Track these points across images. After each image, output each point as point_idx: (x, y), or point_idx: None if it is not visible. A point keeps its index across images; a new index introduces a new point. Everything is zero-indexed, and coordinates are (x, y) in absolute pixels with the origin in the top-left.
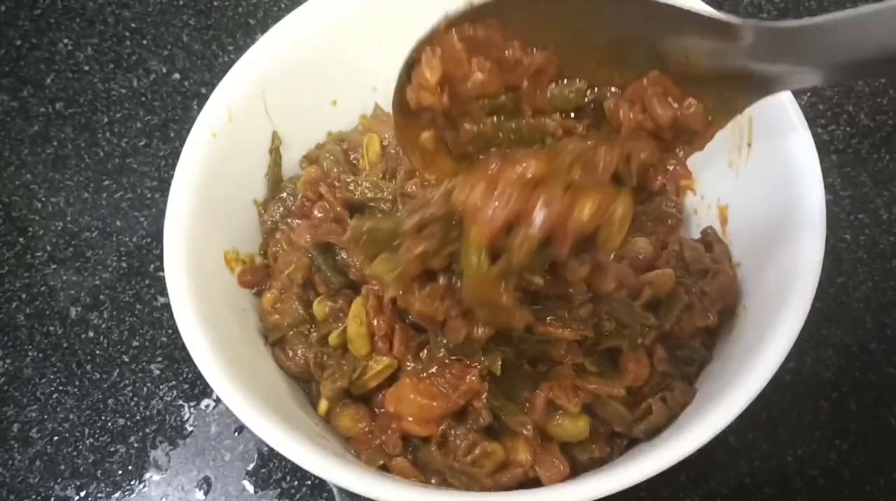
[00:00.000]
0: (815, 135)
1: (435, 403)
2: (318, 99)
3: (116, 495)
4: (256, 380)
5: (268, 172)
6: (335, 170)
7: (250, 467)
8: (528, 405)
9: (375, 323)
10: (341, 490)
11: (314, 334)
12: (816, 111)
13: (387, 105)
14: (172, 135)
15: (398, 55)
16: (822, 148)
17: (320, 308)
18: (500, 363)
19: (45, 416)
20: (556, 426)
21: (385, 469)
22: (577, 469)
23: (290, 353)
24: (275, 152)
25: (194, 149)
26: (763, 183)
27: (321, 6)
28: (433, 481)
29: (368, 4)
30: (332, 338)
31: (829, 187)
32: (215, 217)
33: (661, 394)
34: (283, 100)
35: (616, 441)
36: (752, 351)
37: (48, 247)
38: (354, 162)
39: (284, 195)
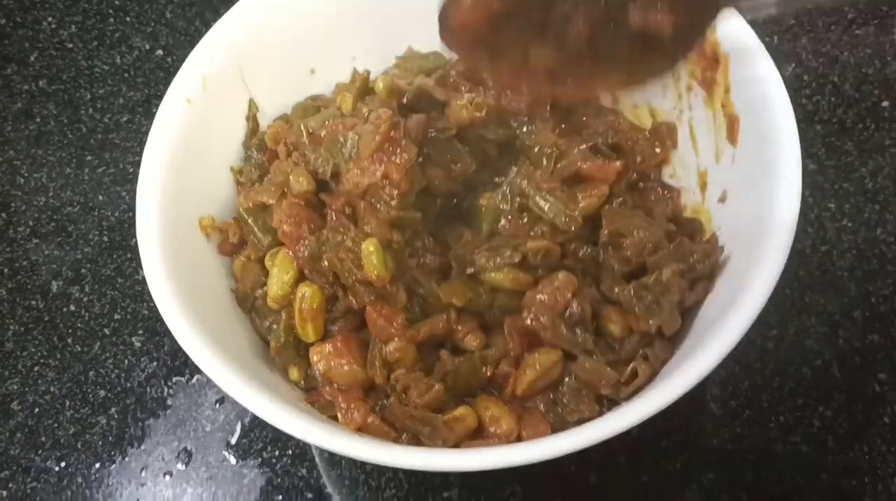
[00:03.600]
0: (799, 105)
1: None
2: (296, 67)
3: (97, 466)
4: (235, 348)
5: (244, 140)
6: (300, 124)
7: (231, 438)
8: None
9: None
10: (322, 457)
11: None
12: (801, 81)
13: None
14: (155, 110)
15: (376, 23)
16: (807, 118)
17: (237, 265)
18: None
19: (26, 389)
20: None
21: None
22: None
23: (261, 320)
24: (251, 119)
25: (168, 115)
26: (741, 147)
27: None
28: (403, 438)
29: None
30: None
31: (813, 157)
32: (190, 183)
33: (642, 352)
34: (261, 69)
35: (604, 403)
36: (729, 303)
37: (30, 222)
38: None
39: (254, 153)
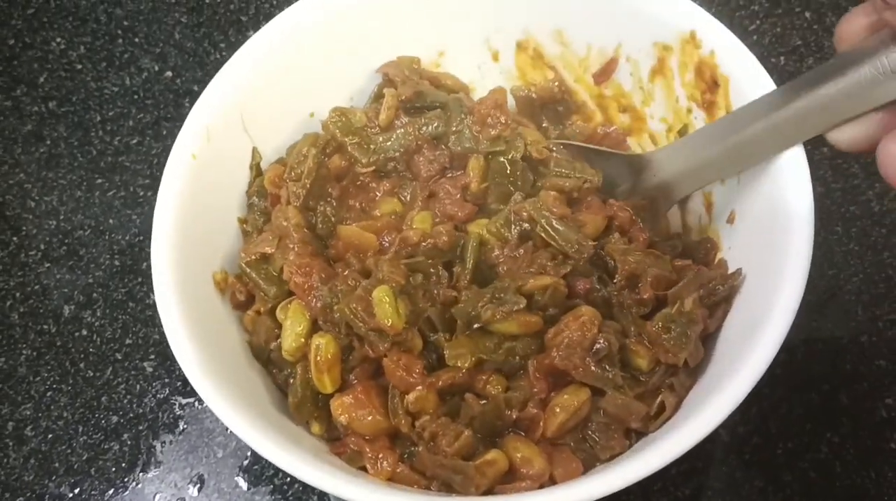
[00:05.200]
0: None
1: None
2: (294, 111)
3: (110, 492)
4: (257, 403)
5: (249, 189)
6: (297, 166)
7: (243, 463)
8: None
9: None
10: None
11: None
12: None
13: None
14: (165, 132)
15: (370, 64)
16: (814, 140)
17: (247, 319)
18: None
19: (39, 414)
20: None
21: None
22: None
23: (279, 371)
24: (255, 168)
25: (175, 172)
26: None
27: (291, 19)
28: (433, 485)
29: (338, 16)
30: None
31: (820, 179)
32: (200, 240)
33: (668, 381)
34: (261, 115)
35: (633, 437)
36: (752, 329)
37: (41, 246)
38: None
39: (256, 200)
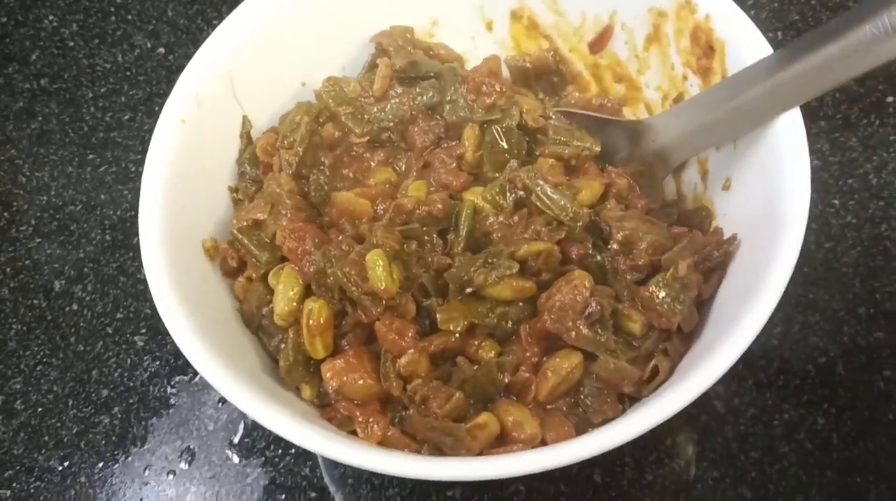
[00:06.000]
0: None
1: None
2: (286, 81)
3: (100, 465)
4: (249, 369)
5: (239, 157)
6: (290, 134)
7: (234, 437)
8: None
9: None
10: (326, 459)
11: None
12: None
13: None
14: (157, 108)
15: (363, 33)
16: (812, 114)
17: (238, 286)
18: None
19: (30, 388)
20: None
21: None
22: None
23: (269, 338)
24: (245, 136)
25: (164, 136)
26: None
27: None
28: (425, 449)
29: None
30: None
31: (818, 153)
32: (189, 206)
33: (661, 347)
34: (252, 84)
35: (626, 402)
36: (744, 296)
37: (32, 221)
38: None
39: (247, 168)
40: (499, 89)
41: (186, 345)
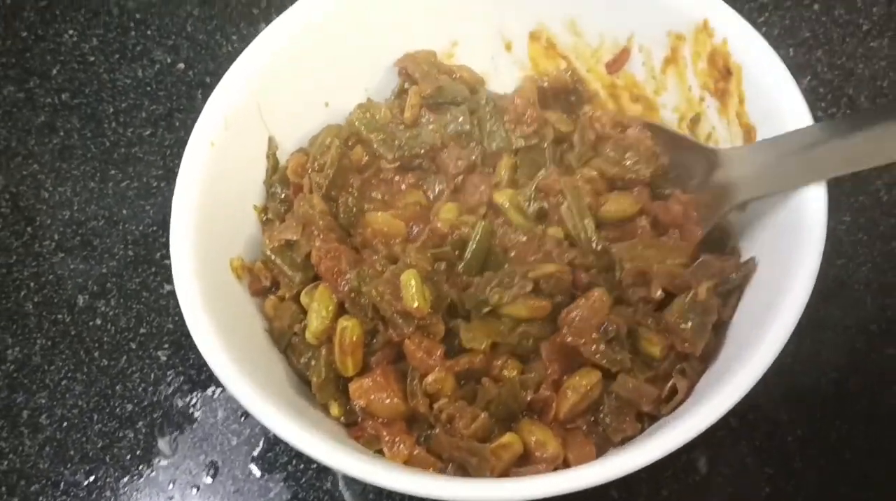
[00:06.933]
0: (816, 118)
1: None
2: (310, 101)
3: (125, 480)
4: (278, 388)
5: (266, 178)
6: (320, 157)
7: (256, 451)
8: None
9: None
10: (345, 475)
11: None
12: (817, 94)
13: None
14: (177, 124)
15: (384, 55)
16: None
17: (269, 305)
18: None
19: (55, 403)
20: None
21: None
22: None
23: (298, 357)
24: (272, 157)
25: (194, 159)
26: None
27: (306, 9)
28: (449, 468)
29: (352, 7)
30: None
31: None
32: (219, 227)
33: (679, 366)
34: (277, 105)
35: (645, 420)
36: (762, 316)
37: (55, 236)
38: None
39: (277, 189)
40: (535, 116)
41: (218, 365)
